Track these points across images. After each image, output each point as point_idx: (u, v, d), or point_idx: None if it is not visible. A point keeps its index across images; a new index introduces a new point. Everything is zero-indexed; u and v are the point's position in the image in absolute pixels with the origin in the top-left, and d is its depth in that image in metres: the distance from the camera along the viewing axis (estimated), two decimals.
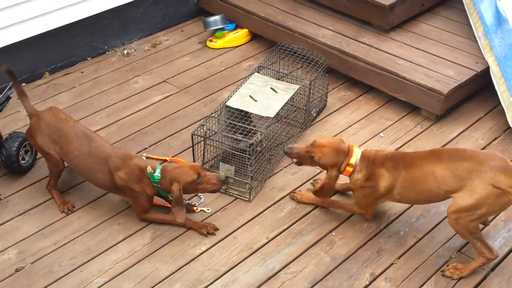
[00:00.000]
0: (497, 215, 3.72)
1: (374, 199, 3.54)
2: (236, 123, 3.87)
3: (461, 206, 3.22)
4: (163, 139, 4.38)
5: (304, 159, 3.56)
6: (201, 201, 3.87)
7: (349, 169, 3.49)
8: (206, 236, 3.65)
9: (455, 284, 3.39)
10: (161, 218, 3.72)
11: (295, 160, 3.65)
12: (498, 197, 3.16)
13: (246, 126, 3.85)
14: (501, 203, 3.19)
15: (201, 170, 3.52)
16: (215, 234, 3.66)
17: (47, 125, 3.70)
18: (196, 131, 3.92)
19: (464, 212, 3.22)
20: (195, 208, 3.80)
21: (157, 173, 3.52)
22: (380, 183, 3.44)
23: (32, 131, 3.75)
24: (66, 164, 3.80)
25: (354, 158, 3.48)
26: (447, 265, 3.47)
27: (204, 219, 3.76)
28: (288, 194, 3.94)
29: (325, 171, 3.60)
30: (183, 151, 4.25)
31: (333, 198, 3.84)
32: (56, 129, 3.69)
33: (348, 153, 3.49)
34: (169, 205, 3.80)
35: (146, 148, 4.29)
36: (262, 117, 4.01)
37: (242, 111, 3.99)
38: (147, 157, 4.17)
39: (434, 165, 3.31)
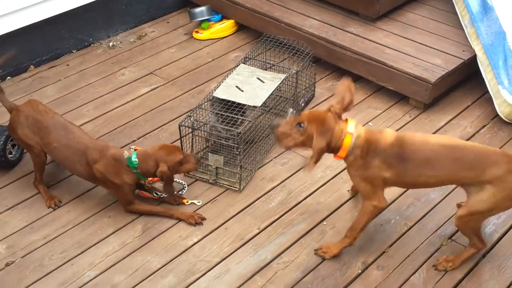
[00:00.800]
0: None
1: (378, 182, 3.20)
2: (224, 113, 3.86)
3: (476, 210, 3.14)
4: (151, 131, 4.36)
5: (290, 133, 3.12)
6: (185, 190, 3.85)
7: (347, 141, 3.07)
8: (195, 226, 3.63)
9: (446, 272, 3.40)
10: (148, 209, 3.70)
11: (281, 139, 3.17)
12: (510, 200, 3.11)
13: (234, 116, 3.84)
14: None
15: (182, 152, 3.59)
16: (202, 224, 3.66)
17: (26, 118, 3.68)
18: (184, 122, 3.90)
19: (477, 214, 3.17)
20: (185, 200, 3.79)
21: (134, 158, 3.51)
22: (380, 173, 3.14)
23: (13, 125, 3.73)
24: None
25: (351, 127, 3.11)
26: (438, 260, 3.45)
27: (196, 210, 3.74)
28: (278, 184, 3.94)
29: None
30: (171, 143, 4.22)
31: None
32: (35, 121, 3.68)
33: (340, 120, 3.11)
34: (155, 197, 3.79)
35: (135, 141, 4.27)
36: (249, 107, 3.99)
37: (235, 102, 3.97)
38: (135, 150, 4.13)
39: (456, 171, 3.10)
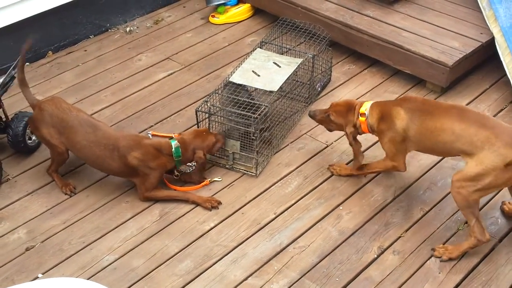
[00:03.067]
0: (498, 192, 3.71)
1: (399, 143, 3.50)
2: (240, 98, 3.87)
3: (466, 174, 3.23)
4: (168, 117, 4.39)
5: (325, 121, 3.79)
6: (192, 167, 3.89)
7: (362, 119, 3.59)
8: (210, 210, 3.67)
9: (462, 256, 3.40)
10: (165, 195, 3.75)
11: (321, 124, 3.88)
12: (503, 171, 3.15)
13: (250, 101, 3.85)
14: (505, 178, 3.19)
15: (215, 134, 3.84)
16: (218, 208, 3.69)
17: (51, 116, 3.68)
18: (200, 108, 3.91)
19: (468, 181, 3.22)
20: (207, 182, 3.83)
21: (176, 147, 3.67)
22: (396, 121, 3.46)
23: (36, 123, 3.73)
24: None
25: (364, 107, 3.61)
26: (437, 246, 3.46)
27: (213, 195, 3.77)
28: (295, 169, 3.96)
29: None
30: (188, 128, 4.25)
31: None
32: (60, 120, 3.67)
33: (357, 108, 3.64)
34: (176, 177, 3.86)
35: (152, 126, 4.29)
36: (265, 92, 4.00)
37: (242, 88, 3.98)
38: (152, 135, 4.18)
39: (455, 122, 3.30)
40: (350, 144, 3.72)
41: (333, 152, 4.08)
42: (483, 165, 3.18)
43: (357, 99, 4.49)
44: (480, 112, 3.40)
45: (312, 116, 3.85)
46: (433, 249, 3.45)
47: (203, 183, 3.84)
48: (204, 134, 3.78)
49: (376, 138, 3.81)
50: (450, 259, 3.39)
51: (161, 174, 3.71)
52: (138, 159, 3.60)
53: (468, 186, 3.23)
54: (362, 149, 3.78)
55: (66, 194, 3.80)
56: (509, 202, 3.63)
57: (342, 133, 4.11)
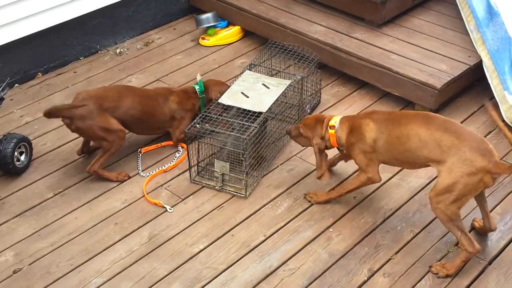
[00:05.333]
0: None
1: (370, 153, 3.54)
2: (229, 119, 3.87)
3: (439, 188, 3.28)
4: (158, 137, 4.37)
5: (298, 136, 3.85)
6: (181, 152, 4.16)
7: (331, 131, 3.65)
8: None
9: (452, 279, 3.40)
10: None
11: (295, 140, 3.93)
12: (471, 176, 3.20)
13: (239, 122, 3.86)
14: (474, 183, 3.22)
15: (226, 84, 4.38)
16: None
17: (95, 103, 3.85)
18: (190, 129, 3.91)
19: (442, 194, 3.27)
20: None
21: (199, 86, 4.21)
22: (365, 133, 3.51)
23: (87, 120, 3.81)
24: None
25: (333, 120, 3.69)
26: (434, 263, 3.47)
27: (203, 217, 3.76)
28: (285, 191, 3.95)
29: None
30: (179, 150, 4.25)
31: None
32: (106, 98, 3.90)
33: (326, 120, 3.72)
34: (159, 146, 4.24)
35: (141, 147, 4.27)
36: (259, 113, 4.00)
37: (255, 112, 3.97)
38: (142, 152, 4.22)
39: (421, 128, 3.36)
40: (315, 154, 3.74)
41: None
42: (452, 173, 3.23)
43: None
44: (445, 117, 3.44)
45: (288, 132, 3.91)
46: (430, 266, 3.46)
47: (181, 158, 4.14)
48: (219, 82, 4.39)
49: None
50: (447, 276, 3.41)
51: (191, 117, 4.16)
52: (175, 102, 4.13)
53: (443, 200, 3.27)
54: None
55: (124, 179, 4.00)
56: (480, 219, 3.67)
57: (331, 155, 4.12)
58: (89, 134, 3.90)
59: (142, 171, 4.08)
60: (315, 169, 4.07)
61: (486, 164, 3.18)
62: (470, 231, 3.62)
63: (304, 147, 4.14)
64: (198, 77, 4.26)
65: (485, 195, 3.50)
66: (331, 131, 3.67)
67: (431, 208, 3.36)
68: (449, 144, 3.25)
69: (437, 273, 3.42)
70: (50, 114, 3.77)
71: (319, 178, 3.76)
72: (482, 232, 3.65)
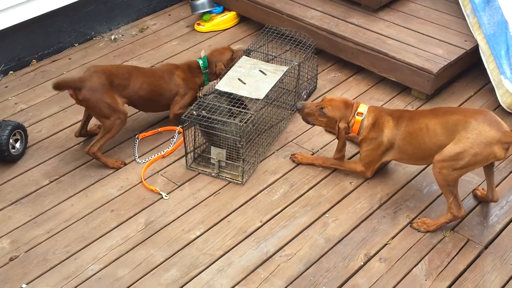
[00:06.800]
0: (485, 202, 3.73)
1: (378, 154, 3.72)
2: (226, 106, 3.86)
3: (447, 154, 3.35)
4: (155, 124, 4.36)
5: (314, 114, 3.77)
6: (175, 139, 4.17)
7: (358, 119, 3.68)
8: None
9: (448, 263, 3.41)
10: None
11: (306, 117, 3.84)
12: (481, 147, 3.26)
13: (236, 108, 3.84)
14: (484, 154, 3.28)
15: (231, 49, 4.41)
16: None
17: (107, 78, 3.86)
18: (186, 115, 3.90)
19: (449, 160, 3.34)
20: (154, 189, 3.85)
21: (202, 62, 4.27)
22: (385, 131, 3.63)
23: (97, 94, 3.80)
24: None
25: (363, 108, 3.72)
26: (418, 218, 3.63)
27: (199, 203, 3.75)
28: (281, 177, 3.95)
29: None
30: (175, 136, 4.24)
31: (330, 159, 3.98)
32: (116, 75, 3.92)
33: (355, 106, 3.73)
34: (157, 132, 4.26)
35: (136, 134, 4.26)
36: (251, 99, 3.99)
37: (234, 96, 3.96)
38: (140, 138, 4.21)
39: (429, 120, 3.49)
40: (339, 138, 3.76)
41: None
42: (460, 143, 3.30)
43: None
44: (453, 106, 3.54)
45: (301, 108, 3.79)
46: (412, 222, 3.60)
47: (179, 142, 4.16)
48: (222, 49, 4.38)
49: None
50: (428, 231, 3.54)
51: (193, 95, 4.23)
52: (180, 77, 4.17)
53: (448, 166, 3.35)
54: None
55: (120, 167, 3.99)
56: (482, 189, 3.75)
57: (328, 141, 4.13)
58: (95, 107, 3.83)
59: (139, 157, 4.07)
60: (311, 155, 4.07)
61: (494, 134, 3.25)
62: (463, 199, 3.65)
63: (301, 133, 4.14)
64: (202, 53, 4.32)
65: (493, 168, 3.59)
66: (358, 118, 3.70)
67: (433, 171, 3.44)
68: (456, 122, 3.35)
69: (418, 229, 3.56)
70: (59, 86, 3.77)
71: (336, 159, 3.89)
72: (483, 201, 3.74)
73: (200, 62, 4.27)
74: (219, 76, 4.23)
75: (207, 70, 4.27)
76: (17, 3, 4.64)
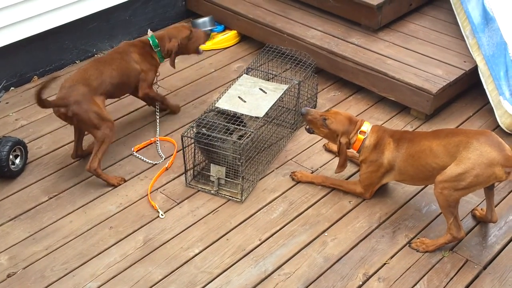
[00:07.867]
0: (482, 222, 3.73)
1: (378, 177, 3.74)
2: (226, 124, 3.87)
3: (449, 175, 3.35)
4: (153, 142, 4.37)
5: (317, 123, 3.76)
6: (162, 158, 4.19)
7: (360, 137, 3.69)
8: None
9: (447, 283, 3.40)
10: (159, 96, 4.47)
11: (307, 126, 3.86)
12: (483, 168, 3.27)
13: (236, 126, 3.86)
14: (485, 175, 3.29)
15: (190, 28, 4.38)
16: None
17: (84, 84, 3.86)
18: (186, 133, 3.91)
19: (451, 181, 3.34)
20: (155, 208, 3.84)
21: (152, 41, 4.23)
22: (385, 153, 3.64)
23: (81, 103, 3.80)
24: None
25: (366, 127, 3.73)
26: (417, 238, 3.62)
27: (198, 221, 3.75)
28: (280, 195, 3.95)
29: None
30: (171, 154, 4.25)
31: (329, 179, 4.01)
32: (88, 77, 3.91)
33: (359, 124, 3.75)
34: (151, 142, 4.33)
35: (132, 153, 4.26)
36: (251, 117, 4.01)
37: (234, 115, 3.98)
38: (136, 150, 4.25)
39: (431, 141, 3.50)
40: (340, 152, 3.75)
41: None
42: (462, 164, 3.30)
43: None
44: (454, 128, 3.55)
45: (305, 113, 3.78)
46: (410, 242, 3.59)
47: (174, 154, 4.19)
48: (181, 27, 4.37)
49: None
50: (426, 252, 3.55)
51: (155, 70, 4.29)
52: (136, 52, 4.16)
53: (450, 187, 3.35)
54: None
55: (119, 184, 3.99)
56: (481, 209, 3.76)
57: (327, 159, 4.14)
58: (85, 119, 3.82)
59: (143, 172, 4.13)
60: (311, 173, 4.08)
61: (496, 155, 3.26)
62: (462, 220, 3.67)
63: (301, 152, 4.16)
64: (149, 33, 4.31)
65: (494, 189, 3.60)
66: (360, 136, 3.71)
67: (434, 192, 3.43)
68: (458, 143, 3.36)
69: (416, 249, 3.56)
70: (44, 105, 3.78)
71: (337, 173, 3.89)
72: (482, 221, 3.74)
73: (149, 34, 4.28)
74: (171, 53, 4.29)
75: (159, 48, 4.27)
76: (20, 20, 4.67)
